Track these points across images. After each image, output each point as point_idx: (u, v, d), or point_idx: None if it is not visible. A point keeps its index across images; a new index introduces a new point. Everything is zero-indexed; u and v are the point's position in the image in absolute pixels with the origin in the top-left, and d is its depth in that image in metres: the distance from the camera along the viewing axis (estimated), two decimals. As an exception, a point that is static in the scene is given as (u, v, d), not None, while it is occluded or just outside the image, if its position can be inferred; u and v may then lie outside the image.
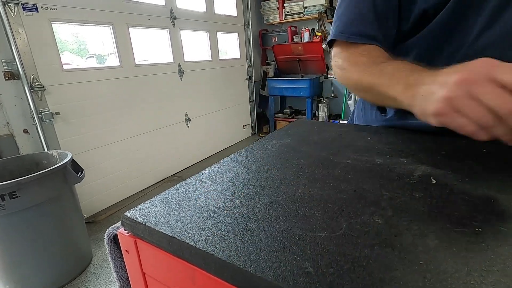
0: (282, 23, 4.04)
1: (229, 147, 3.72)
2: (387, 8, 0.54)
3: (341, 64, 0.57)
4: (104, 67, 2.28)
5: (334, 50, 0.60)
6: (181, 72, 2.87)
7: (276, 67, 4.30)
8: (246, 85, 3.99)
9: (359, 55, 0.54)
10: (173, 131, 2.88)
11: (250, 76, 3.99)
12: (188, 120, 3.03)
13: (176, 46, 2.81)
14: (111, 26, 2.24)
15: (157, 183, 2.80)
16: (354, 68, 0.54)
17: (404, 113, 0.55)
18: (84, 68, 2.12)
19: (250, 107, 4.12)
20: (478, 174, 0.39)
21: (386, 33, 0.55)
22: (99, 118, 2.20)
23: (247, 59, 3.92)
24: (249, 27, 3.84)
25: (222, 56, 3.46)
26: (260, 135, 4.16)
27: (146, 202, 0.38)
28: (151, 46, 2.72)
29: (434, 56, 0.53)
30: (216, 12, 3.27)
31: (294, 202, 0.35)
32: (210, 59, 3.28)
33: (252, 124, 4.22)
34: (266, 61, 4.39)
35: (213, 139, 3.43)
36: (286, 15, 3.90)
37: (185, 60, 2.91)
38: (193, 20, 2.98)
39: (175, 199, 0.38)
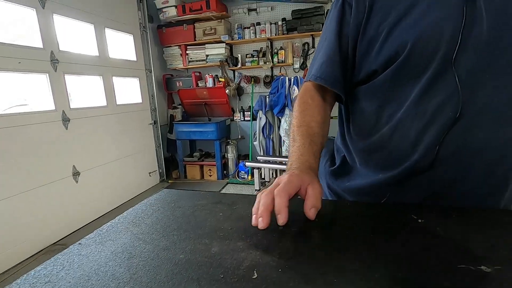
0: (186, 68, 4.11)
1: (133, 198, 3.36)
2: (350, 58, 0.61)
3: (298, 101, 0.66)
4: None
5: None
6: (66, 120, 2.52)
7: (184, 110, 4.27)
8: (151, 130, 3.79)
9: (306, 111, 0.62)
10: (57, 189, 2.43)
11: (154, 121, 3.83)
12: (76, 174, 2.62)
13: (59, 92, 2.48)
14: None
15: (33, 255, 2.24)
16: (297, 116, 0.62)
17: (348, 171, 0.65)
18: None
19: (156, 153, 3.89)
20: (295, 258, 0.40)
21: (346, 79, 0.62)
22: None
23: (150, 103, 3.77)
24: (151, 72, 3.76)
25: (121, 101, 3.23)
26: (170, 181, 3.92)
27: None
28: (26, 92, 2.33)
29: (378, 112, 0.59)
30: (111, 56, 3.09)
31: None
32: (105, 104, 3.01)
33: (160, 170, 3.97)
34: (173, 105, 4.32)
35: (111, 192, 3.03)
36: (189, 61, 4.00)
37: (71, 107, 2.58)
38: (82, 64, 2.73)
39: None
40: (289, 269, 0.38)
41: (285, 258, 0.40)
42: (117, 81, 3.19)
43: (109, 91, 3.04)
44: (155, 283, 0.36)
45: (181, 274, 0.38)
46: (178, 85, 4.09)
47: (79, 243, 0.47)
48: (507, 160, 0.52)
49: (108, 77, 3.03)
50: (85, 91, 2.85)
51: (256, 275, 0.37)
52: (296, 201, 0.58)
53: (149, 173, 3.72)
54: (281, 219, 0.45)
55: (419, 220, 0.50)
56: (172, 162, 4.29)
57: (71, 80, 2.61)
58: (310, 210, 0.47)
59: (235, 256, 0.41)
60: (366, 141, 0.63)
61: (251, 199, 0.63)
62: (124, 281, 0.37)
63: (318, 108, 0.63)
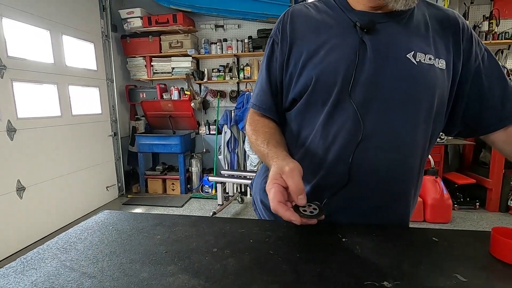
0: (151, 80, 4.04)
1: (88, 213, 3.14)
2: (277, 89, 0.70)
3: (248, 122, 0.74)
4: None
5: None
6: (11, 130, 2.33)
7: (147, 122, 4.15)
8: (111, 141, 3.62)
9: (257, 125, 0.71)
10: (-4, 206, 2.20)
11: (115, 132, 3.67)
12: (21, 189, 2.41)
13: (6, 100, 2.30)
14: None
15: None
16: (252, 134, 0.70)
17: None
18: None
19: (116, 166, 3.71)
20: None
21: (278, 106, 0.71)
22: None
23: (111, 114, 3.62)
24: (112, 82, 3.63)
25: (78, 111, 3.06)
26: (129, 196, 3.74)
27: None
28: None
29: (299, 133, 0.68)
30: (68, 64, 2.95)
31: None
32: (60, 114, 2.83)
33: (119, 185, 3.77)
34: (136, 116, 4.18)
35: (62, 208, 2.81)
36: (154, 73, 3.93)
37: (19, 116, 2.40)
38: (34, 72, 2.56)
39: None
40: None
41: (212, 281, 0.42)
42: (75, 91, 3.03)
43: (64, 101, 2.87)
44: (72, 314, 0.36)
45: (102, 303, 0.38)
46: (141, 96, 3.98)
47: (-3, 273, 0.44)
48: (393, 172, 0.61)
49: (64, 86, 2.87)
50: (39, 100, 2.67)
51: (178, 301, 0.38)
52: (231, 222, 0.60)
53: (107, 187, 3.52)
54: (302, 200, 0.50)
55: (343, 239, 0.54)
56: (133, 175, 4.11)
57: (21, 88, 2.43)
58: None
59: (162, 281, 0.42)
60: (293, 158, 0.71)
61: (192, 220, 0.64)
62: (38, 313, 0.36)
63: (266, 122, 0.72)
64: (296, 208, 0.50)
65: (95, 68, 3.38)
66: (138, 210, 3.26)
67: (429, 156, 2.86)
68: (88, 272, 0.44)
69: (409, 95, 0.58)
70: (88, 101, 3.31)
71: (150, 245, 0.52)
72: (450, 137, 3.24)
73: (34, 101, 2.63)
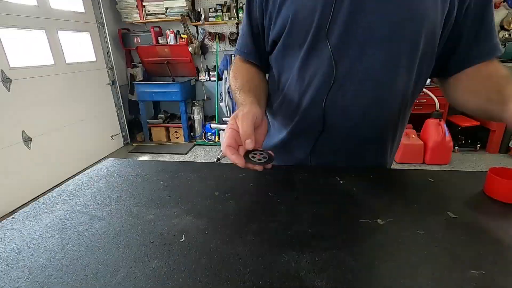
0: (145, 22, 3.78)
1: (96, 162, 3.25)
2: (259, 32, 0.67)
3: (232, 67, 0.73)
4: None
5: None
6: (6, 81, 2.27)
7: (144, 69, 4.01)
8: (110, 90, 3.56)
9: (237, 71, 0.70)
10: (7, 156, 2.28)
11: (112, 81, 3.58)
12: (28, 139, 2.46)
13: (-6, 48, 2.20)
14: None
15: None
16: (232, 80, 0.69)
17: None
18: None
19: (118, 115, 3.71)
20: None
21: (260, 50, 0.69)
22: None
23: (106, 62, 3.49)
24: (103, 26, 3.40)
25: (71, 59, 2.94)
26: (134, 144, 3.82)
27: None
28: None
29: (279, 78, 0.67)
30: (53, 6, 2.73)
31: None
32: (53, 63, 2.73)
33: (123, 133, 3.82)
34: (132, 63, 4.02)
35: (70, 158, 2.91)
36: (147, 14, 3.66)
37: (11, 66, 2.32)
38: (18, 16, 2.39)
39: None
40: (214, 232, 0.42)
41: (213, 222, 0.44)
42: (65, 36, 2.86)
43: (56, 48, 2.74)
44: (86, 251, 0.39)
45: (113, 242, 0.41)
46: (136, 41, 3.76)
47: (13, 217, 0.47)
48: (369, 117, 0.60)
49: (53, 31, 2.70)
50: (30, 49, 2.55)
51: (184, 238, 0.41)
52: (232, 168, 0.61)
53: (112, 136, 3.58)
54: (249, 145, 0.49)
55: (341, 182, 0.56)
56: (136, 124, 4.13)
57: (8, 36, 2.30)
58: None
59: (167, 222, 0.45)
60: (274, 104, 0.72)
61: (195, 166, 0.65)
62: (55, 251, 0.39)
63: (247, 67, 0.70)
64: (246, 153, 0.50)
65: (83, 10, 3.14)
66: (144, 157, 3.36)
67: (435, 99, 2.80)
68: (97, 215, 0.47)
69: (390, 31, 0.53)
70: (81, 48, 3.16)
71: (154, 190, 0.55)
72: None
73: (25, 49, 2.52)
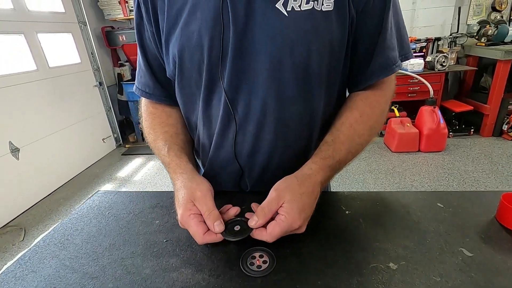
0: (129, 19, 3.63)
1: (90, 166, 3.19)
2: (160, 64, 0.58)
3: (143, 116, 0.63)
4: None
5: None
6: (-13, 91, 2.17)
7: (132, 68, 3.89)
8: (97, 92, 3.45)
9: (153, 121, 0.61)
10: (-6, 169, 2.21)
11: (100, 82, 3.47)
12: (15, 150, 2.38)
13: (-30, 57, 2.08)
14: None
15: (-17, 241, 2.11)
16: (149, 132, 0.61)
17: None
18: None
19: (108, 117, 3.62)
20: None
21: (165, 84, 0.60)
22: None
23: (91, 62, 3.36)
24: (85, 25, 3.26)
25: (54, 63, 2.82)
26: (127, 145, 3.75)
27: None
28: None
29: (189, 120, 0.60)
30: (30, 8, 2.60)
31: None
32: (36, 68, 2.62)
33: (115, 135, 3.75)
34: (119, 62, 3.89)
35: (62, 165, 2.84)
36: (131, 10, 3.52)
37: (-9, 75, 2.21)
38: (-7, 21, 2.27)
39: None
40: (217, 290, 0.39)
41: (215, 276, 0.41)
42: (46, 39, 2.73)
43: (37, 52, 2.62)
44: (78, 327, 0.35)
45: (107, 309, 0.37)
46: (121, 39, 3.63)
47: (-4, 279, 0.43)
48: (274, 161, 0.56)
49: (32, 35, 2.57)
50: (8, 55, 2.43)
51: None
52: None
53: (103, 139, 3.50)
54: (219, 227, 0.44)
55: (347, 212, 0.53)
56: (127, 125, 4.05)
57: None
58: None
59: (166, 278, 0.41)
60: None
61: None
62: (44, 328, 0.36)
63: (163, 116, 0.61)
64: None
65: (63, 10, 3.00)
66: (138, 160, 3.31)
67: (429, 86, 2.78)
68: (89, 272, 0.43)
69: (276, 65, 0.46)
70: (65, 50, 3.03)
71: (149, 234, 0.51)
72: (452, 64, 3.10)
73: (4, 56, 2.40)
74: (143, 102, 0.64)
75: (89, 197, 0.64)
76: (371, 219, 0.50)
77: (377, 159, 2.76)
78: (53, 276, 0.43)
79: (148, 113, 0.62)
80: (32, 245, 0.50)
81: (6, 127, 2.31)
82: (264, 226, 0.44)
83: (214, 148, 0.57)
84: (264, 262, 0.43)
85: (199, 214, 0.45)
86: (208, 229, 0.44)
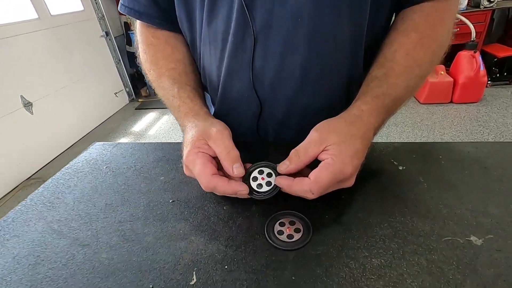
0: (130, -43, 3.27)
1: (104, 121, 3.18)
2: None
3: (140, 48, 0.51)
4: None
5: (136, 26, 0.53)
6: (-11, 42, 2.07)
7: (138, 15, 3.62)
8: (105, 43, 3.28)
9: (156, 54, 0.49)
10: (10, 123, 2.20)
11: (106, 32, 3.26)
12: (28, 104, 2.34)
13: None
14: None
15: (9, 192, 2.20)
16: (150, 68, 0.50)
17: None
18: None
19: (118, 70, 3.49)
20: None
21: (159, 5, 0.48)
22: None
23: (95, 10, 3.13)
24: (84, -35, 2.97)
25: (56, 10, 2.63)
26: (139, 100, 3.66)
27: None
28: None
29: (193, 43, 0.49)
30: None
31: None
32: (37, 16, 2.45)
33: (127, 89, 3.65)
34: (124, 9, 3.62)
35: (75, 121, 2.81)
36: None
37: (-10, 23, 2.08)
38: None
39: None
40: (237, 265, 0.30)
41: (234, 247, 0.32)
42: (43, -17, 2.51)
43: (36, -2, 2.43)
44: (61, 309, 0.28)
45: (98, 286, 0.29)
46: (124, -18, 3.32)
47: (-26, 245, 0.36)
48: (304, 94, 0.44)
49: (29, -23, 2.37)
50: (5, 2, 2.26)
51: (194, 280, 0.29)
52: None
53: (115, 93, 3.41)
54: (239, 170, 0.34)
55: (400, 168, 0.41)
56: (139, 78, 3.91)
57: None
58: None
59: (171, 247, 0.33)
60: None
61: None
62: (21, 308, 0.28)
63: (169, 47, 0.50)
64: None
65: None
66: (152, 114, 3.24)
67: (471, 26, 2.42)
68: (80, 238, 0.35)
69: None
70: (64, -5, 2.80)
71: (152, 192, 0.42)
72: (501, 0, 2.65)
73: (2, 4, 2.23)
74: (139, 29, 0.51)
75: (85, 150, 0.55)
76: (435, 178, 0.38)
77: (402, 111, 2.55)
78: (37, 242, 0.36)
79: (147, 45, 0.50)
80: (18, 205, 0.42)
81: (15, 81, 2.24)
82: (298, 175, 0.33)
83: (225, 76, 0.45)
84: (297, 230, 0.33)
85: (210, 156, 0.35)
86: (220, 174, 0.34)
